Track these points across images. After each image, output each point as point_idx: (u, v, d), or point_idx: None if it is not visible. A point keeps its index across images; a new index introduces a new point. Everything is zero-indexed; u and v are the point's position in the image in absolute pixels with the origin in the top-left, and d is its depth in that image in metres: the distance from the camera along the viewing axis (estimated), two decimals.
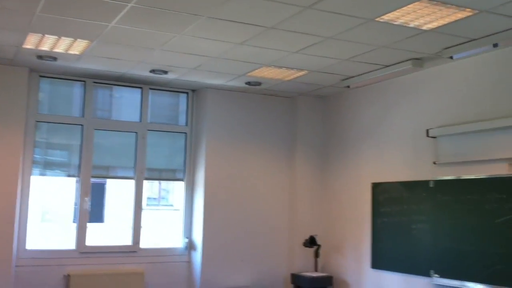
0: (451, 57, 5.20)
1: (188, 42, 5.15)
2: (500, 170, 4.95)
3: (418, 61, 5.49)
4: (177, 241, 7.16)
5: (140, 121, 7.06)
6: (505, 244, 4.81)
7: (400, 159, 6.06)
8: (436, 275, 5.40)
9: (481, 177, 5.10)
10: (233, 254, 6.93)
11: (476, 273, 5.01)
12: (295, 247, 7.04)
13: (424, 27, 4.56)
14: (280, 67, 5.94)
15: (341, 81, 6.44)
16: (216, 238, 6.86)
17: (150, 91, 7.11)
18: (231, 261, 6.90)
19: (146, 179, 7.12)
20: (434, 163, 5.60)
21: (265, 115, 7.31)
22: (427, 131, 5.65)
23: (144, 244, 6.90)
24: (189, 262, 7.02)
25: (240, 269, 6.92)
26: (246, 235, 7.02)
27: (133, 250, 6.79)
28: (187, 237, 7.09)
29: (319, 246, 6.87)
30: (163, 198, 13.42)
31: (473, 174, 5.19)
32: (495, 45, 4.80)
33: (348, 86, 6.53)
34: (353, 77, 6.23)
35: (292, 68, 6.00)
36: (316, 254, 6.88)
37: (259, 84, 6.72)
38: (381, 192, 6.24)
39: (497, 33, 4.62)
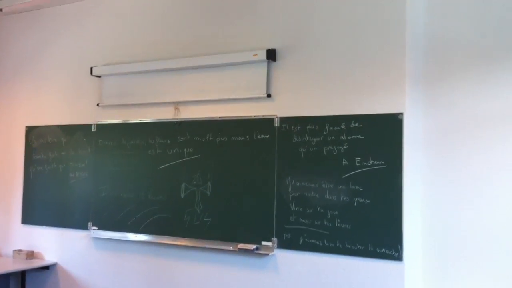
0: None
1: None
2: (166, 114, 4.71)
3: None
4: None
5: None
6: (166, 191, 4.62)
7: (61, 100, 5.35)
8: (94, 228, 4.96)
9: (146, 121, 4.79)
10: None
11: (137, 223, 4.73)
12: None
13: None
14: None
15: None
16: None
17: None
18: None
19: None
20: (98, 105, 5.08)
21: None
22: (91, 69, 5.08)
23: None
24: None
25: None
26: None
27: None
28: None
29: None
30: None
31: (139, 117, 4.85)
32: None
33: (0, 10, 5.45)
34: None
35: None
36: None
37: None
38: (36, 137, 5.45)
39: None
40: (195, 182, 4.49)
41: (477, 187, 3.65)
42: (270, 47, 4.22)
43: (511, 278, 3.54)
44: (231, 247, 4.26)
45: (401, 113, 3.66)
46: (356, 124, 3.82)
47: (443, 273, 3.73)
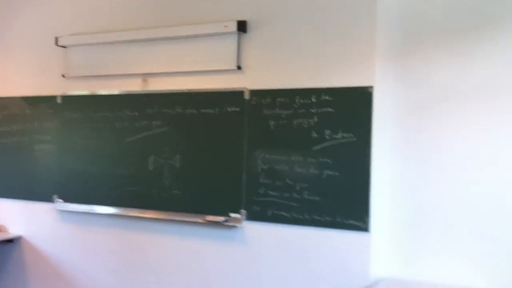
0: None
1: None
2: (134, 86, 4.65)
3: None
4: None
5: None
6: (133, 164, 4.57)
7: (26, 71, 5.21)
8: (60, 200, 4.89)
9: (114, 93, 4.72)
10: None
11: (104, 196, 4.68)
12: None
13: None
14: None
15: None
16: None
17: None
18: None
19: None
20: (64, 76, 4.97)
21: None
22: (56, 39, 4.96)
23: None
24: None
25: None
26: None
27: None
28: None
29: None
30: None
31: (106, 89, 4.76)
32: None
33: None
34: None
35: None
36: None
37: None
38: (0, 109, 5.32)
39: None
40: (164, 155, 4.46)
41: (445, 162, 3.72)
42: (241, 18, 4.19)
43: (476, 249, 3.65)
44: (200, 219, 4.26)
45: (371, 87, 3.69)
46: (327, 97, 3.84)
47: (409, 244, 3.81)
